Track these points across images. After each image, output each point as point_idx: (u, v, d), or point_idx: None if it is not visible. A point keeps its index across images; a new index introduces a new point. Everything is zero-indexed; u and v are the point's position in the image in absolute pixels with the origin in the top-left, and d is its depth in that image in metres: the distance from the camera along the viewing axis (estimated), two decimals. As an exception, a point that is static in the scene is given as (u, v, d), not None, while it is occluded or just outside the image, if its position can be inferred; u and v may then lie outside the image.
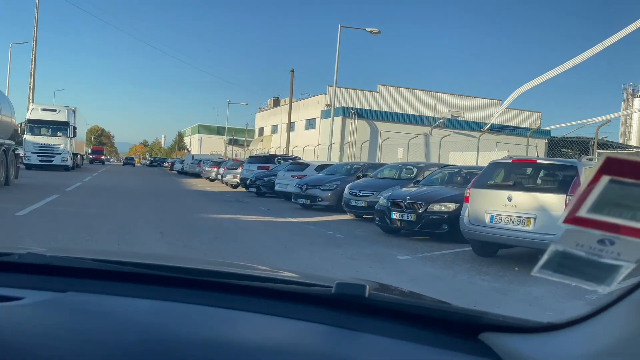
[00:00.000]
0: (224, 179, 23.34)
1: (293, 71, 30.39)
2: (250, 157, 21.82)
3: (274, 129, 53.21)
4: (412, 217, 8.32)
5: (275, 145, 49.76)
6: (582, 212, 0.54)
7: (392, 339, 0.90)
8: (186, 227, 8.75)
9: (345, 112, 36.03)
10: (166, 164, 58.88)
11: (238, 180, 21.78)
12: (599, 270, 0.58)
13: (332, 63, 27.62)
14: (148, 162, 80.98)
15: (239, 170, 21.82)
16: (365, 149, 34.01)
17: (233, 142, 67.80)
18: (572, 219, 0.55)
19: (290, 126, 48.40)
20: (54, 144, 28.22)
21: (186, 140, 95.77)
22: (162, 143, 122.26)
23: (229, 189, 22.31)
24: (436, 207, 8.24)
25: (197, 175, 35.43)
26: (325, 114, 39.05)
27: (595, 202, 0.53)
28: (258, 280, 1.15)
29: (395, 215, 8.54)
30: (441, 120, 36.78)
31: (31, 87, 38.31)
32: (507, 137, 37.61)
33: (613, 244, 0.55)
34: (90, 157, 62.44)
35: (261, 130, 58.50)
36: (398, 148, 25.92)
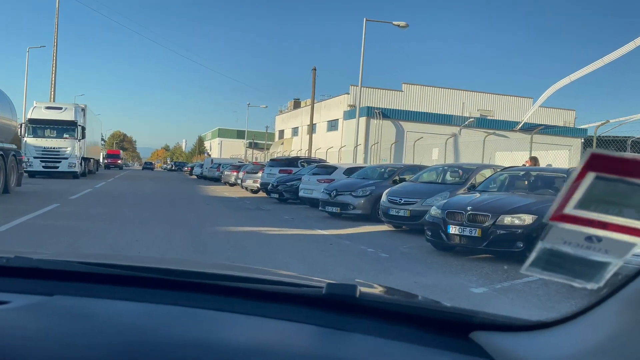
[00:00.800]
0: (243, 183, 21.92)
1: (315, 70, 28.82)
2: (271, 160, 20.31)
3: (295, 131, 51.79)
4: (477, 233, 6.64)
5: (295, 148, 48.32)
6: (569, 209, 0.54)
7: (383, 339, 0.90)
8: (197, 246, 7.22)
9: (370, 112, 34.30)
10: (186, 168, 58.09)
11: (258, 185, 20.30)
12: (588, 268, 0.58)
13: (354, 62, 26.16)
14: (169, 166, 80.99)
15: (260, 174, 20.34)
16: (391, 150, 32.30)
17: (253, 146, 66.88)
18: (558, 216, 0.54)
19: (313, 127, 47.02)
20: (59, 148, 24.18)
21: (206, 144, 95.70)
22: (183, 147, 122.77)
23: (249, 194, 20.86)
24: (507, 219, 6.54)
25: (217, 180, 34.21)
26: (348, 115, 37.46)
27: (581, 199, 0.53)
28: (247, 282, 1.14)
29: (453, 230, 6.86)
30: (471, 119, 34.79)
31: (52, 92, 37.79)
32: (540, 137, 35.58)
33: (600, 241, 0.55)
34: (106, 161, 58.03)
35: (281, 133, 57.18)
36: (433, 149, 24.05)
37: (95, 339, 0.85)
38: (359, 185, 11.40)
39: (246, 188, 21.82)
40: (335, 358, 0.85)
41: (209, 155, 65.53)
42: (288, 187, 15.82)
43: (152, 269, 1.22)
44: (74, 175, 24.61)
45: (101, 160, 42.47)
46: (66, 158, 24.38)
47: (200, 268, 1.31)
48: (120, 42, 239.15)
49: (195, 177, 41.68)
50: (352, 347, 0.90)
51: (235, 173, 27.51)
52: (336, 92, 42.55)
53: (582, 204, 0.53)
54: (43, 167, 23.99)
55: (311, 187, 14.04)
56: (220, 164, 34.74)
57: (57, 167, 23.98)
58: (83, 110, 27.41)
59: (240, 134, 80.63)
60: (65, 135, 24.83)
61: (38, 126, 24.38)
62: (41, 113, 24.70)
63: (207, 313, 0.99)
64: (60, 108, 25.25)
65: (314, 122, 45.91)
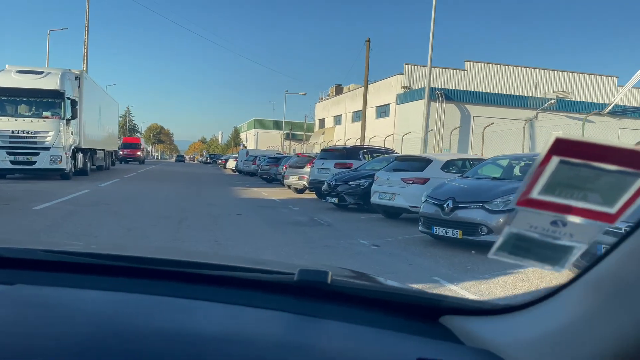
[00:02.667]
0: (285, 180, 17.36)
1: (369, 41, 23.90)
2: (323, 151, 15.66)
3: (337, 119, 47.03)
4: None
5: (338, 137, 43.58)
6: (534, 194, 0.54)
7: (355, 325, 0.90)
8: None
9: (431, 95, 29.14)
10: (220, 160, 54.42)
11: (305, 184, 15.73)
12: (554, 252, 0.59)
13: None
14: (204, 159, 79.03)
15: (307, 169, 15.76)
16: (452, 137, 27.31)
17: (290, 137, 62.96)
18: (524, 200, 0.55)
19: (357, 115, 42.15)
20: (35, 133, 15.99)
21: (242, 135, 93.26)
22: (220, 140, 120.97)
23: (292, 194, 16.33)
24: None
25: (253, 174, 29.98)
26: (403, 98, 32.41)
27: (546, 183, 0.53)
28: (218, 269, 1.13)
29: None
30: (552, 101, 29.22)
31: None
32: (631, 122, 29.68)
33: (565, 225, 0.56)
34: (121, 153, 42.82)
35: (322, 122, 52.51)
36: (552, 133, 18.59)
37: (57, 328, 0.83)
38: (498, 190, 6.58)
39: (289, 186, 17.31)
40: (306, 345, 0.84)
41: (244, 146, 61.86)
42: (352, 188, 11.15)
43: (119, 256, 1.19)
44: (61, 174, 16.91)
45: (115, 153, 32.87)
46: (46, 148, 16.14)
47: (169, 255, 1.27)
48: (154, 33, 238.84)
49: (231, 171, 37.69)
50: (323, 333, 0.89)
51: (274, 167, 23.11)
52: (382, 76, 37.52)
53: (548, 189, 0.53)
54: (11, 162, 15.93)
55: (392, 189, 9.33)
56: (256, 157, 30.45)
57: (34, 163, 16.05)
58: (77, 77, 18.88)
59: (277, 125, 77.19)
60: (45, 114, 16.37)
61: (5, 99, 16.27)
62: (10, 79, 16.32)
63: (176, 301, 0.97)
64: (39, 73, 16.79)
65: (359, 109, 41.07)
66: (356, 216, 10.42)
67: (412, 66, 33.31)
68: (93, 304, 0.95)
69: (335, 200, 11.45)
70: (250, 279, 1.07)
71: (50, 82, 16.48)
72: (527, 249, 0.60)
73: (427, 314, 0.94)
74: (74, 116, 17.13)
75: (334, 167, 13.60)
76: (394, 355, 0.81)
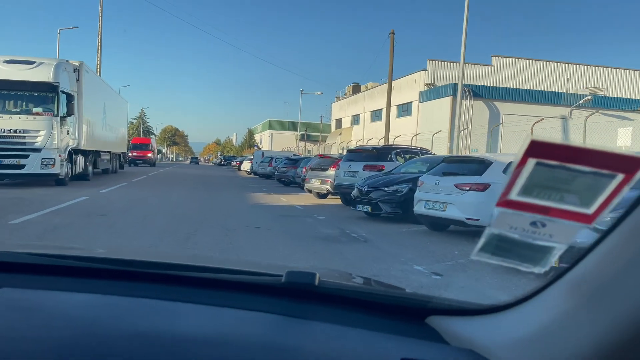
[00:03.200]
0: (306, 184, 15.77)
1: (393, 33, 22.22)
2: (349, 151, 14.02)
3: (355, 119, 45.36)
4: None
5: (356, 138, 41.88)
6: (513, 195, 0.55)
7: (342, 326, 0.90)
8: None
9: (457, 91, 27.30)
10: (234, 162, 53.04)
11: (329, 188, 14.16)
12: (535, 252, 0.59)
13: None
14: (219, 160, 78.30)
15: (331, 172, 14.18)
16: (486, 136, 25.55)
17: (305, 138, 61.60)
18: (504, 201, 0.56)
19: (376, 114, 40.44)
20: (23, 132, 13.80)
21: (256, 137, 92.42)
22: (234, 141, 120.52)
23: (315, 200, 14.76)
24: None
25: (269, 177, 28.51)
26: (426, 96, 30.62)
27: (524, 185, 0.54)
28: (204, 271, 1.12)
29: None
30: (587, 97, 27.22)
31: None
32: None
33: (545, 225, 0.56)
34: (130, 154, 38.32)
35: (339, 122, 50.88)
36: (619, 129, 16.84)
37: (40, 331, 0.82)
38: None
39: (310, 191, 15.75)
40: (293, 346, 0.84)
41: (259, 148, 60.57)
42: (388, 195, 9.51)
43: (102, 259, 1.19)
44: (56, 179, 14.69)
45: (125, 155, 30.23)
46: (37, 150, 13.89)
47: (155, 258, 1.25)
48: (169, 34, 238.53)
49: (246, 173, 36.27)
50: (310, 334, 0.89)
51: (292, 169, 21.58)
52: (402, 74, 35.68)
53: (526, 190, 0.54)
54: None
55: (443, 197, 7.68)
56: (272, 158, 28.97)
57: (22, 167, 13.74)
58: (77, 70, 16.51)
59: (291, 126, 75.92)
60: (35, 110, 14.11)
61: None
62: None
63: (161, 303, 0.97)
64: (30, 63, 14.38)
65: (379, 107, 39.37)
66: (394, 228, 8.79)
67: (436, 62, 31.53)
68: (76, 307, 0.94)
69: (368, 208, 9.82)
70: (238, 281, 1.07)
71: (42, 74, 14.10)
72: (508, 249, 0.60)
73: (414, 315, 0.95)
74: (70, 113, 14.83)
75: (363, 170, 11.99)
76: (378, 356, 0.82)
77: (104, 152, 21.35)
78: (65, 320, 0.87)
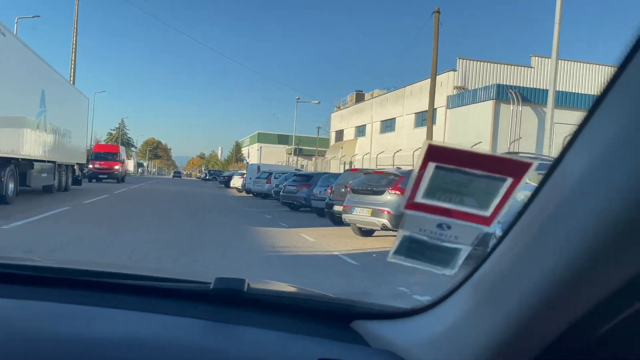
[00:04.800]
0: (346, 215, 9.98)
1: (438, 12, 17.03)
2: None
3: (360, 130, 40.16)
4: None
5: (362, 151, 36.64)
6: (418, 198, 0.56)
7: (269, 331, 0.92)
8: None
9: (501, 94, 22.29)
10: (222, 177, 47.05)
11: (386, 222, 8.72)
12: (443, 254, 0.61)
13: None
14: (203, 175, 72.43)
15: (389, 196, 8.77)
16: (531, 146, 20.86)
17: (298, 152, 56.52)
18: (411, 204, 0.57)
19: (388, 124, 35.28)
20: None
21: (244, 150, 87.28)
22: (219, 155, 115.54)
23: (359, 240, 9.29)
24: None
25: (266, 196, 23.01)
26: (457, 100, 25.50)
27: (427, 188, 0.55)
28: (133, 279, 1.13)
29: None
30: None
31: (71, 74, 29.75)
32: None
33: (450, 228, 0.58)
34: (92, 166, 30.30)
35: (339, 133, 45.65)
36: None
37: None
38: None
39: (344, 221, 10.20)
40: (215, 348, 0.85)
41: (247, 162, 55.21)
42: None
43: (26, 266, 1.19)
44: None
45: (81, 168, 22.51)
46: None
47: (84, 266, 1.26)
48: (151, 41, 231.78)
49: (237, 191, 30.64)
50: (237, 339, 0.90)
51: (304, 188, 16.11)
52: (416, 78, 30.64)
53: (429, 193, 0.55)
54: None
55: None
56: (271, 173, 23.55)
57: None
58: None
59: (282, 139, 71.02)
60: None
61: None
62: None
63: (86, 309, 0.97)
64: None
65: (391, 117, 34.22)
66: None
67: (468, 61, 26.55)
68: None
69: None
70: (167, 287, 1.07)
71: None
72: (419, 251, 0.61)
73: (340, 320, 0.97)
74: None
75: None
76: (296, 355, 0.84)
77: (44, 161, 15.09)
78: None
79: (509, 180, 0.54)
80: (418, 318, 0.83)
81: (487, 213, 0.56)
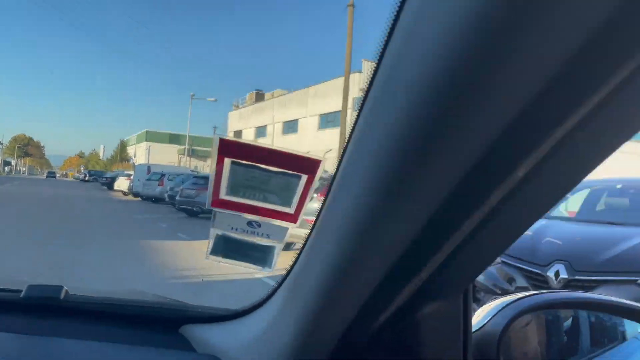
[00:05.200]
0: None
1: (353, 5, 16.07)
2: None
3: (260, 131, 38.55)
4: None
5: (262, 153, 35.06)
6: (222, 195, 0.54)
7: (91, 341, 0.86)
8: None
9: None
10: (104, 179, 42.15)
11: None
12: (258, 252, 0.59)
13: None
14: (81, 176, 65.34)
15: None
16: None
17: (191, 153, 53.29)
18: (216, 201, 0.55)
19: (290, 126, 34.07)
20: None
21: (130, 150, 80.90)
22: (101, 154, 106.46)
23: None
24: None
25: (158, 200, 20.45)
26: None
27: (229, 184, 0.53)
28: None
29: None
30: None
31: None
32: None
33: (260, 225, 0.56)
34: None
35: (238, 134, 43.54)
36: None
37: None
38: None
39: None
40: None
41: (134, 162, 50.75)
42: None
43: None
44: None
45: None
46: None
47: None
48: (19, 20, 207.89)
49: (122, 194, 27.26)
50: (52, 352, 0.83)
51: (203, 192, 14.18)
52: (320, 79, 29.98)
53: (232, 190, 0.53)
54: None
55: None
56: (163, 175, 21.08)
57: None
58: None
59: (173, 139, 66.78)
60: None
61: None
62: None
63: None
64: None
65: (293, 118, 33.07)
66: None
67: (373, 63, 26.17)
68: None
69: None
70: None
71: None
72: (236, 250, 0.59)
73: (170, 325, 0.93)
74: None
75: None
76: None
77: None
78: None
79: (304, 177, 0.52)
80: (244, 319, 0.81)
81: (291, 210, 0.54)
